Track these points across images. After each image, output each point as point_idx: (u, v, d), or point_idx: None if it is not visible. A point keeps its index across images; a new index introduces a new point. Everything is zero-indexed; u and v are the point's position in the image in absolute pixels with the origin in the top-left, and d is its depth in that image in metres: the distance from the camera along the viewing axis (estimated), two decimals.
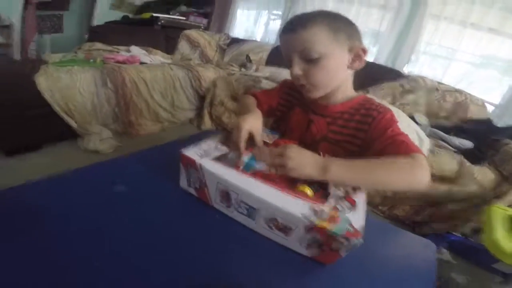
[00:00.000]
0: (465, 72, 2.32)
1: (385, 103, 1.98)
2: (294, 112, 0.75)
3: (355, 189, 0.50)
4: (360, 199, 0.47)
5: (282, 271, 0.43)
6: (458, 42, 2.28)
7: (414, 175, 0.51)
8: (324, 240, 0.41)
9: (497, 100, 2.20)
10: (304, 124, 0.71)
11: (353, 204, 0.45)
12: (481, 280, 1.24)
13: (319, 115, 0.69)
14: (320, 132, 0.68)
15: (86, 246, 0.40)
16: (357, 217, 0.42)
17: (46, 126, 1.70)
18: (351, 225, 0.40)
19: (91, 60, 2.00)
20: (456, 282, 1.24)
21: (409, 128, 1.65)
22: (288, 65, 0.65)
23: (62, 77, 1.68)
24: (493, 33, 2.15)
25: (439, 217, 1.58)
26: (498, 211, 1.19)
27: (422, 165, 0.51)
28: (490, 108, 2.16)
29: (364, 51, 0.62)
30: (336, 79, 0.64)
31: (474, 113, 2.09)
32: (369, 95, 2.04)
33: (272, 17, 3.30)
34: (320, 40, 0.58)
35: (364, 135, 0.62)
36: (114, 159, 0.65)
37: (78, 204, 0.48)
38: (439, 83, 2.23)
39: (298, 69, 0.61)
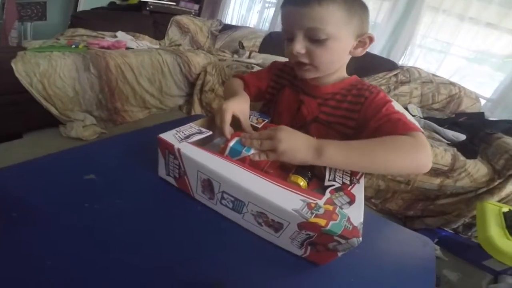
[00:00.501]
0: (458, 66, 2.32)
1: None
2: (284, 93, 0.70)
3: (353, 174, 0.45)
4: (359, 192, 0.42)
5: (272, 271, 0.38)
6: (454, 36, 2.26)
7: (417, 156, 0.47)
8: (319, 238, 0.36)
9: (488, 94, 2.22)
10: (294, 105, 0.67)
11: (352, 198, 0.40)
12: (472, 277, 1.24)
13: (310, 96, 0.65)
14: (311, 114, 0.64)
15: (54, 235, 0.35)
16: (355, 213, 0.37)
17: (26, 114, 1.62)
18: (349, 221, 0.35)
19: (73, 46, 1.90)
20: (448, 279, 1.23)
21: None
22: (287, 38, 0.59)
23: (41, 63, 1.59)
24: (491, 28, 2.13)
25: (431, 212, 1.57)
26: (491, 207, 1.19)
27: (424, 145, 0.47)
28: (482, 102, 2.18)
29: (371, 39, 0.58)
30: (338, 63, 0.61)
31: (467, 106, 2.11)
32: None
33: (266, 4, 3.24)
34: (334, 21, 0.52)
35: (357, 115, 0.58)
36: (89, 144, 0.58)
37: (48, 191, 0.42)
38: (433, 75, 2.23)
39: (300, 47, 0.55)
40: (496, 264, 1.16)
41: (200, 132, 0.48)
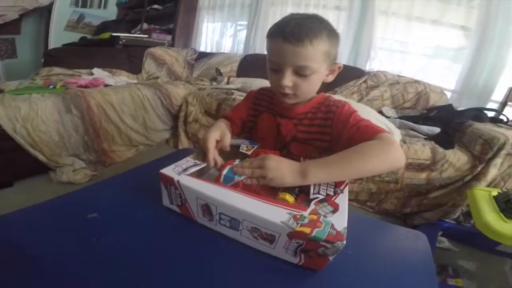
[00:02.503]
0: (420, 64, 2.44)
1: (352, 101, 2.05)
2: (263, 118, 0.77)
3: (337, 186, 0.51)
4: (343, 201, 0.47)
5: (273, 280, 0.42)
6: (409, 36, 2.40)
7: (388, 154, 0.54)
8: (308, 245, 0.41)
9: (452, 86, 2.34)
10: (274, 128, 0.73)
11: (336, 207, 0.45)
12: (491, 264, 1.22)
13: (285, 118, 0.71)
14: (289, 134, 0.70)
15: (69, 266, 0.39)
16: (339, 220, 0.42)
17: (14, 162, 1.59)
18: (333, 228, 0.40)
19: (51, 86, 1.87)
20: (466, 269, 1.22)
21: (378, 122, 1.70)
22: (273, 69, 0.64)
23: (21, 106, 1.54)
24: (437, 24, 2.29)
25: (427, 206, 1.61)
26: (481, 193, 1.21)
27: (391, 143, 0.55)
28: (448, 94, 2.29)
29: (340, 68, 0.67)
30: (315, 91, 0.68)
31: (435, 100, 2.21)
32: (338, 95, 2.12)
33: (238, 27, 3.30)
34: (319, 58, 0.59)
35: (329, 130, 0.65)
36: (89, 187, 0.62)
37: (56, 230, 0.46)
38: (398, 76, 2.35)
39: (289, 81, 0.61)
40: (510, 248, 1.14)
41: (196, 165, 0.55)
